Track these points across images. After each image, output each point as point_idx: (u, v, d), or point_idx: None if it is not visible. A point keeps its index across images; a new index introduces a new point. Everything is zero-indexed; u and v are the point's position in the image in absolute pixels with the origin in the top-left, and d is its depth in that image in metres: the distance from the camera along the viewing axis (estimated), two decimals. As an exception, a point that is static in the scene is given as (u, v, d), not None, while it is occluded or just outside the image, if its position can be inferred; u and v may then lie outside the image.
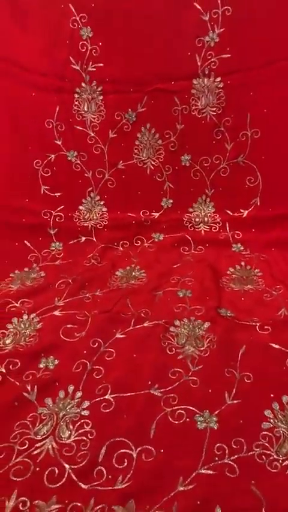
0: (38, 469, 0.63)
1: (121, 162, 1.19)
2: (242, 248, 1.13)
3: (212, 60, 1.08)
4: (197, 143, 1.16)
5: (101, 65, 1.12)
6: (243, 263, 1.08)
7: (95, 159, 1.18)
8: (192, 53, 1.08)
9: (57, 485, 0.61)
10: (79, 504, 0.58)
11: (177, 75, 1.11)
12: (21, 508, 0.58)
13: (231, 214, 1.19)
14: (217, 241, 1.16)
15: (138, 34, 1.08)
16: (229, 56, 1.07)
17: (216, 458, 0.62)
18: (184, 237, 1.18)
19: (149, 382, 0.75)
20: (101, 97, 1.15)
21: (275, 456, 0.62)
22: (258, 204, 1.16)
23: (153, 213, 1.21)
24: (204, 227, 1.19)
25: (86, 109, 1.15)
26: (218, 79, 1.10)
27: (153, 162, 1.19)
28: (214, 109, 1.12)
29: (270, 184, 1.15)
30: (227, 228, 1.18)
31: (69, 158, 1.18)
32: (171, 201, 1.21)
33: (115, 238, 1.19)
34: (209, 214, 1.19)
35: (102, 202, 1.22)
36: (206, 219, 1.19)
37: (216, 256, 1.11)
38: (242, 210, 1.18)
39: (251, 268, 1.06)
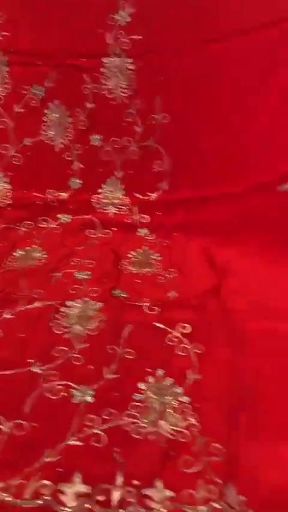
0: None
1: (28, 138, 1.18)
2: (147, 232, 1.18)
3: (123, 40, 1.10)
4: (107, 124, 1.18)
5: (7, 34, 1.09)
6: (145, 247, 1.13)
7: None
8: (103, 31, 1.09)
9: None
10: None
11: (87, 52, 1.12)
12: None
13: (139, 197, 1.23)
14: (124, 225, 1.20)
15: (47, 4, 1.07)
16: (140, 37, 1.10)
17: (86, 429, 0.67)
18: (91, 219, 1.21)
19: (31, 360, 0.78)
20: (7, 68, 1.13)
21: (141, 424, 0.68)
22: (166, 188, 1.22)
23: (60, 193, 1.22)
24: (113, 209, 1.22)
25: None
26: (129, 60, 1.12)
27: (62, 140, 1.19)
28: (125, 90, 1.15)
29: (177, 168, 1.20)
30: (135, 211, 1.22)
31: None
32: (80, 181, 1.22)
33: (19, 218, 1.19)
34: (118, 196, 1.22)
35: (7, 180, 1.20)
36: (114, 201, 1.22)
37: (121, 240, 1.15)
38: (149, 193, 1.22)
39: (151, 252, 1.11)
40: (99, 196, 1.23)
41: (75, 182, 1.22)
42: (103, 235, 1.16)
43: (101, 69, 1.13)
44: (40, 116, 1.17)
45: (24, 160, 1.19)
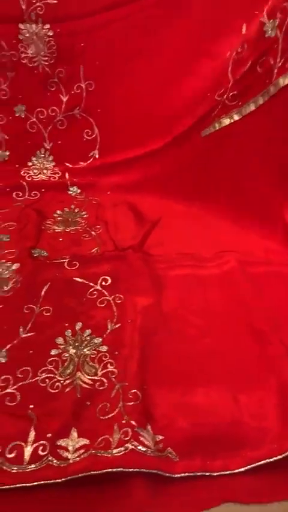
0: None
1: None
2: (78, 191, 1.10)
3: (38, 4, 0.98)
4: (31, 93, 1.06)
5: None
6: (73, 206, 1.05)
7: None
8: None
9: None
10: None
11: (1, 17, 0.98)
12: None
13: (70, 166, 1.14)
14: (55, 185, 1.10)
15: None
16: (55, 2, 0.99)
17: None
18: (19, 182, 1.10)
19: None
20: None
21: (58, 377, 0.63)
22: (97, 156, 1.13)
23: None
24: (43, 177, 1.12)
25: None
26: (47, 26, 1.00)
27: None
28: (46, 58, 1.03)
29: (107, 136, 1.12)
30: (66, 176, 1.13)
31: None
32: (8, 153, 1.11)
33: None
34: (48, 167, 1.13)
35: None
36: (45, 171, 1.13)
37: (49, 201, 1.06)
38: (81, 163, 1.13)
39: (79, 211, 1.04)
40: (29, 169, 1.12)
41: (3, 154, 1.11)
42: (31, 198, 1.06)
43: (19, 36, 1.01)
44: None
45: None
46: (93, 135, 1.12)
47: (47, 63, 1.05)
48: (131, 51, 1.05)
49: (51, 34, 1.01)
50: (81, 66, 1.06)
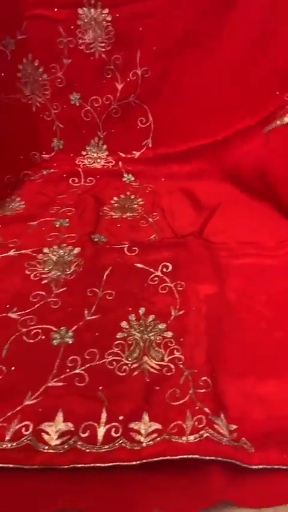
0: None
1: (3, 94, 1.05)
2: (132, 179, 1.09)
3: None
4: (86, 81, 1.05)
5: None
6: (128, 193, 1.04)
7: None
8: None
9: None
10: None
11: (59, 2, 0.97)
12: None
13: (124, 156, 1.13)
14: (109, 172, 1.10)
15: None
16: None
17: (68, 370, 0.60)
18: (75, 169, 1.10)
19: (7, 306, 0.71)
20: None
21: (125, 361, 0.62)
22: (150, 145, 1.12)
23: (43, 155, 1.11)
24: (97, 166, 1.12)
25: None
26: (106, 11, 0.99)
27: (39, 99, 1.07)
28: (103, 45, 1.02)
29: (161, 124, 1.09)
30: (120, 165, 1.12)
31: None
32: (62, 141, 1.11)
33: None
34: (102, 157, 1.12)
35: None
36: (99, 160, 1.12)
37: (104, 187, 1.05)
38: (134, 152, 1.12)
39: (134, 197, 1.02)
40: (83, 158, 1.12)
41: (58, 143, 1.11)
42: (86, 184, 1.06)
43: (77, 22, 1.00)
44: (14, 71, 1.04)
45: (2, 118, 1.07)
46: (148, 123, 1.10)
47: (103, 50, 1.03)
48: (191, 36, 1.02)
49: (109, 19, 1.00)
50: (138, 52, 1.04)
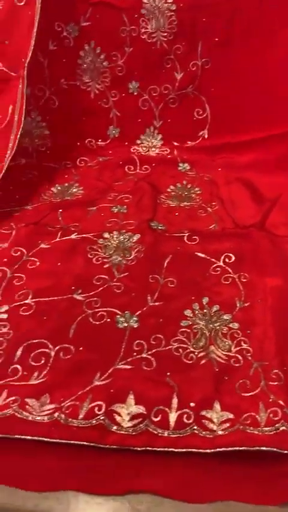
0: None
1: (63, 80, 1.06)
2: (188, 168, 1.07)
3: None
4: (146, 70, 1.04)
5: None
6: (185, 182, 1.02)
7: (34, 73, 1.04)
8: None
9: None
10: (-10, 396, 0.54)
11: None
12: None
13: (178, 145, 1.11)
14: (164, 160, 1.08)
15: None
16: None
17: (135, 354, 0.60)
18: (131, 156, 1.09)
19: (72, 288, 0.71)
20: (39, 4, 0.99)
21: (192, 349, 0.61)
22: (206, 136, 1.09)
23: (99, 142, 1.11)
24: (152, 154, 1.10)
25: None
26: (170, 0, 0.97)
27: (97, 86, 1.07)
28: (165, 34, 1.01)
29: (217, 116, 1.07)
30: (175, 153, 1.11)
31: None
32: (118, 130, 1.11)
33: (57, 159, 1.07)
34: (156, 145, 1.11)
35: (44, 124, 1.09)
36: (153, 149, 1.11)
37: (160, 175, 1.04)
38: (189, 142, 1.10)
39: (191, 187, 1.00)
40: (138, 147, 1.11)
41: (114, 131, 1.11)
42: (142, 172, 1.05)
43: (141, 10, 0.99)
44: (75, 57, 1.04)
45: (60, 104, 1.07)
46: (204, 115, 1.08)
47: (165, 39, 1.02)
48: (254, 27, 0.99)
49: (173, 8, 0.99)
50: (199, 43, 1.02)
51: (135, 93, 1.08)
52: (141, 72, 1.06)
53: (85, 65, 1.06)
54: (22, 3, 0.93)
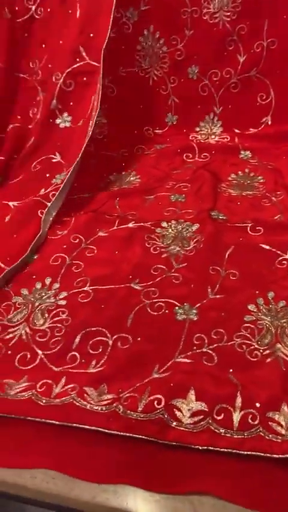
0: (9, 352, 0.59)
1: (121, 67, 1.04)
2: (250, 156, 1.01)
3: None
4: (206, 53, 0.99)
5: None
6: (247, 170, 0.96)
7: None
8: None
9: (29, 367, 0.57)
10: (49, 381, 0.54)
11: None
12: (-10, 385, 0.54)
13: (239, 133, 1.05)
14: (225, 147, 1.03)
15: None
16: None
17: (195, 348, 0.57)
18: (189, 143, 1.05)
19: (130, 277, 0.69)
20: None
21: (256, 346, 0.57)
22: (269, 123, 1.03)
23: (156, 130, 1.08)
24: (211, 142, 1.06)
25: None
26: None
27: (156, 72, 1.04)
28: (228, 14, 0.95)
29: (282, 101, 1.00)
30: (236, 140, 1.05)
31: None
32: (176, 117, 1.07)
33: (114, 147, 1.06)
34: (216, 133, 1.06)
35: (101, 113, 1.07)
36: (212, 136, 1.06)
37: (220, 163, 0.99)
38: (251, 129, 1.04)
39: (254, 175, 0.94)
40: (196, 134, 1.06)
41: (172, 118, 1.07)
42: (201, 160, 1.01)
43: None
44: (134, 43, 1.01)
45: (118, 91, 1.06)
46: (268, 100, 1.01)
47: (228, 19, 0.96)
48: None
49: (238, -15, 0.92)
50: (265, 21, 0.95)
51: (195, 78, 1.03)
52: (202, 56, 1.01)
53: (144, 51, 1.03)
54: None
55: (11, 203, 0.88)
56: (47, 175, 0.92)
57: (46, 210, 0.82)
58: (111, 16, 0.90)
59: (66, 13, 0.94)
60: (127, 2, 0.98)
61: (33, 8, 0.96)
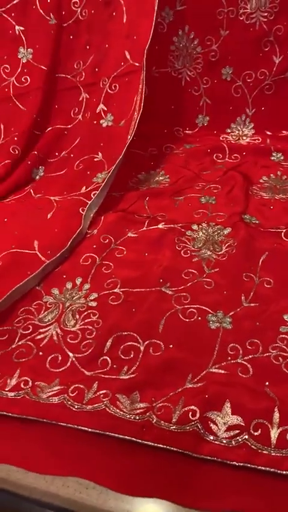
0: (41, 353, 0.57)
1: (154, 68, 1.01)
2: (282, 158, 0.97)
3: None
4: (241, 54, 0.96)
5: None
6: (279, 172, 0.93)
7: None
8: None
9: (60, 369, 0.55)
10: (82, 386, 0.52)
11: None
12: (22, 387, 0.53)
13: (271, 135, 1.02)
14: (256, 149, 0.99)
15: None
16: None
17: (229, 358, 0.55)
18: (220, 144, 1.02)
19: (160, 280, 0.67)
20: None
21: (294, 359, 0.54)
22: None
23: (186, 131, 1.05)
24: (242, 143, 1.02)
25: None
26: None
27: (189, 73, 1.01)
28: (265, 14, 0.91)
29: None
30: (268, 142, 1.02)
31: None
32: (208, 118, 1.04)
33: (143, 146, 1.03)
34: (247, 134, 1.03)
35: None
36: (244, 138, 1.03)
37: (251, 165, 0.96)
38: (284, 132, 1.00)
39: (286, 178, 0.91)
40: (227, 135, 1.03)
41: (203, 119, 1.04)
42: (231, 160, 0.98)
43: None
44: (168, 44, 0.99)
45: (150, 91, 1.03)
46: None
47: (265, 20, 0.93)
48: None
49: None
50: None
51: (228, 79, 1.00)
52: (236, 57, 0.98)
53: (178, 51, 1.00)
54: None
55: (52, 198, 0.88)
56: (88, 173, 0.92)
57: (87, 206, 0.81)
58: (154, 17, 0.88)
59: (110, 15, 0.93)
60: (163, 1, 0.95)
61: (79, 10, 0.94)
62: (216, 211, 0.82)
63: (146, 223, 0.79)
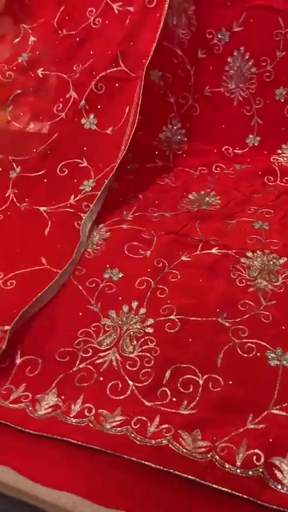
0: (101, 378, 0.58)
1: (207, 87, 1.00)
2: None
3: None
4: None
5: None
6: None
7: (179, 81, 0.98)
8: None
9: (121, 397, 0.55)
10: (144, 418, 0.52)
11: None
12: (86, 414, 0.53)
13: None
14: None
15: None
16: None
17: (290, 399, 0.54)
18: (271, 166, 1.00)
19: (217, 310, 0.66)
20: (193, 7, 0.93)
21: None
22: None
23: (236, 150, 1.04)
24: None
25: (174, 22, 0.92)
26: None
27: (242, 93, 0.99)
28: None
29: None
30: None
31: (152, 78, 0.95)
32: (259, 138, 1.02)
33: (193, 165, 1.02)
34: None
35: (183, 131, 1.04)
36: None
37: None
38: None
39: None
40: (278, 156, 1.01)
41: (253, 140, 1.03)
42: (283, 184, 0.96)
43: None
44: (222, 64, 0.97)
45: (202, 111, 1.02)
46: None
47: None
48: None
49: None
50: None
51: (282, 100, 0.98)
52: None
53: (232, 71, 0.98)
54: (152, 6, 0.88)
55: (41, 208, 0.86)
56: (75, 180, 0.89)
57: (82, 222, 0.81)
58: (159, 29, 0.85)
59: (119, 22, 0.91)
60: (219, 22, 0.94)
61: (92, 18, 0.93)
62: (270, 238, 0.80)
63: (200, 247, 0.78)
